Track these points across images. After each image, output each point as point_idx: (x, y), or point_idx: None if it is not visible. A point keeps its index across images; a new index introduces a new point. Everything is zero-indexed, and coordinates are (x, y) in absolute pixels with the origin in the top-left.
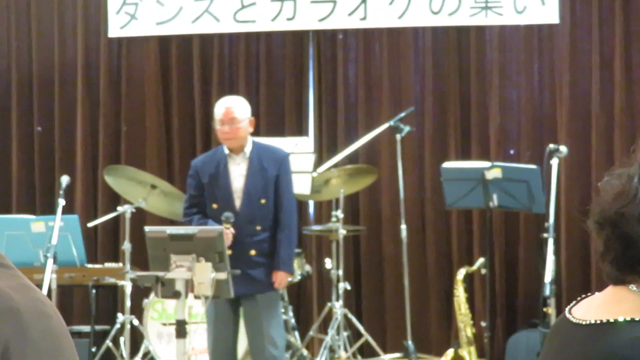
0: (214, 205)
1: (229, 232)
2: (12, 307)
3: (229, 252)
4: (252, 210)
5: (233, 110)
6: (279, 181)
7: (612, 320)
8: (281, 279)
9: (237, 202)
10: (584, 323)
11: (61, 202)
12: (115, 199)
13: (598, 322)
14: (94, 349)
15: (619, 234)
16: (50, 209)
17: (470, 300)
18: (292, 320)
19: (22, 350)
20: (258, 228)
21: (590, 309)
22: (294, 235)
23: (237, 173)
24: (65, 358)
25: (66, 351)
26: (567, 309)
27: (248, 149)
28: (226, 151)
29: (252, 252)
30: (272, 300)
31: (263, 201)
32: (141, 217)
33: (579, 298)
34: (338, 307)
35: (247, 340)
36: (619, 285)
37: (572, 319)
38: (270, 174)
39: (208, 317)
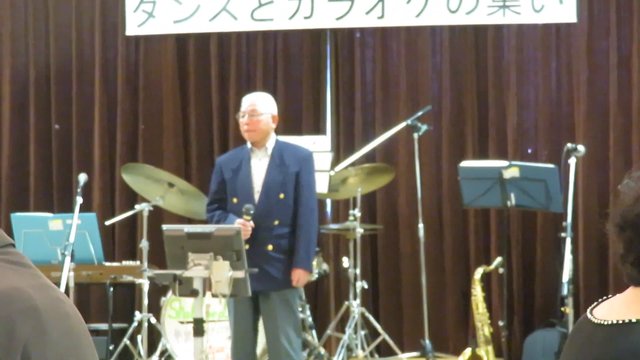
0: (234, 200)
1: (248, 224)
2: (32, 306)
3: (246, 246)
4: (270, 205)
5: (255, 103)
6: (300, 178)
7: (633, 320)
8: (299, 277)
9: (256, 196)
10: (605, 323)
11: (79, 200)
12: (132, 197)
13: (619, 322)
14: (111, 347)
15: (637, 234)
16: (67, 207)
17: (488, 300)
18: (310, 319)
19: (41, 350)
20: (276, 223)
21: (611, 310)
22: (314, 233)
23: (259, 168)
24: (85, 357)
25: (85, 350)
26: (588, 310)
27: (270, 144)
28: (249, 146)
29: (270, 247)
30: (289, 298)
31: (282, 196)
32: (159, 215)
33: (600, 300)
34: (355, 306)
35: (265, 336)
36: None
37: (593, 319)
38: (291, 170)
39: (229, 315)
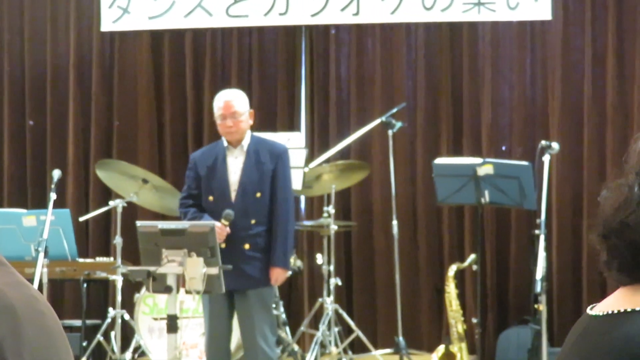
0: (210, 198)
1: (225, 229)
2: (7, 304)
3: (222, 245)
4: (246, 204)
5: (233, 103)
6: (276, 175)
7: (628, 309)
8: (277, 275)
9: (233, 195)
10: (601, 314)
11: (53, 196)
12: (106, 194)
13: (614, 312)
14: (85, 344)
15: (626, 242)
16: (41, 203)
17: (461, 297)
18: (283, 316)
19: (17, 348)
20: (252, 222)
21: (608, 303)
22: (291, 231)
23: (235, 166)
24: (60, 355)
25: (60, 348)
26: (589, 308)
27: (246, 142)
28: (225, 144)
29: (246, 246)
30: (265, 296)
31: (258, 195)
32: (133, 211)
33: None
34: (329, 303)
35: (240, 334)
36: (633, 284)
37: (590, 312)
38: (266, 167)
39: (204, 312)
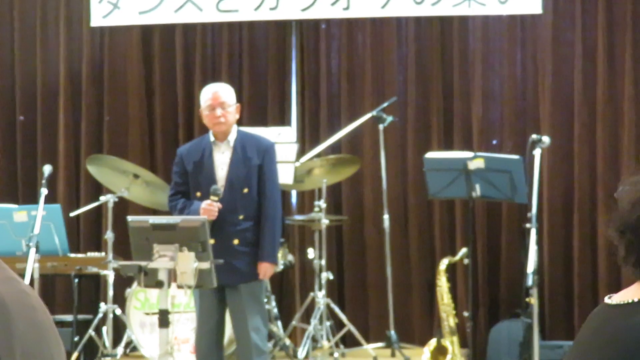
0: (198, 194)
1: (215, 204)
2: None
3: (211, 241)
4: (234, 200)
5: (221, 94)
6: (263, 171)
7: None
8: (265, 270)
9: (220, 191)
10: (621, 303)
11: (43, 191)
12: (97, 189)
13: (634, 300)
14: (76, 339)
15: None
16: (32, 199)
17: (453, 290)
18: (275, 310)
19: (8, 343)
20: (241, 217)
21: (626, 293)
22: (279, 225)
23: (221, 161)
24: (51, 349)
25: (51, 342)
26: (606, 298)
27: (232, 137)
28: (212, 139)
29: (235, 242)
30: (256, 290)
31: (245, 190)
32: (124, 206)
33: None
34: (321, 297)
35: (232, 329)
36: None
37: (609, 302)
38: (253, 163)
39: (195, 307)
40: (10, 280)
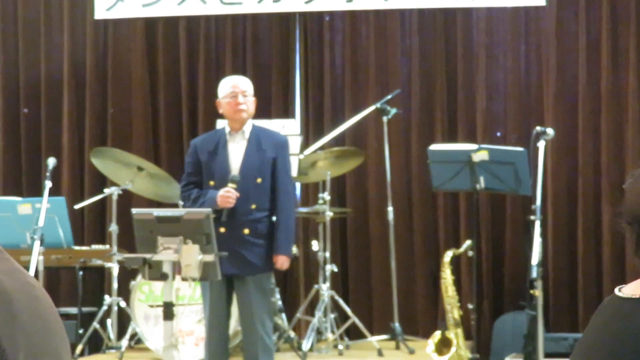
0: (211, 182)
1: (233, 192)
2: (1, 291)
3: (222, 229)
4: (247, 189)
5: (244, 83)
6: (277, 164)
7: None
8: (282, 262)
9: (238, 178)
10: (633, 297)
11: (48, 184)
12: (101, 181)
13: None
14: (81, 331)
15: None
16: (36, 191)
17: (457, 283)
18: (279, 303)
19: (12, 334)
20: (252, 207)
21: (638, 285)
22: (292, 218)
23: (236, 152)
24: (55, 340)
25: (56, 333)
26: (616, 289)
27: (247, 128)
28: (227, 129)
29: (246, 231)
30: (264, 283)
31: (259, 180)
32: (128, 199)
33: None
34: (325, 289)
35: (239, 320)
36: None
37: (620, 294)
38: (268, 155)
39: (203, 298)
40: (14, 272)
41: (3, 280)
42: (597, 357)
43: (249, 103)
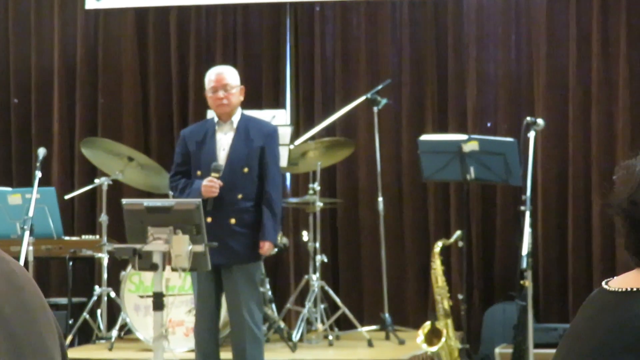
0: (198, 172)
1: (216, 181)
2: None
3: (208, 219)
4: (234, 178)
5: (225, 76)
6: (265, 154)
7: None
8: (267, 248)
9: (221, 167)
10: (619, 290)
11: (38, 174)
12: (92, 171)
13: (633, 289)
14: (71, 321)
15: (631, 221)
16: (26, 181)
17: (447, 273)
18: (269, 293)
19: None
20: (239, 197)
21: (625, 279)
22: (279, 208)
23: (224, 142)
24: (40, 329)
25: (41, 323)
26: (603, 283)
27: (236, 118)
28: (215, 119)
29: (232, 221)
30: (252, 272)
31: (246, 170)
32: (118, 189)
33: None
34: (315, 280)
35: (227, 310)
36: None
37: (607, 287)
38: (255, 145)
39: (193, 289)
40: None
41: None
42: (584, 350)
43: (231, 97)
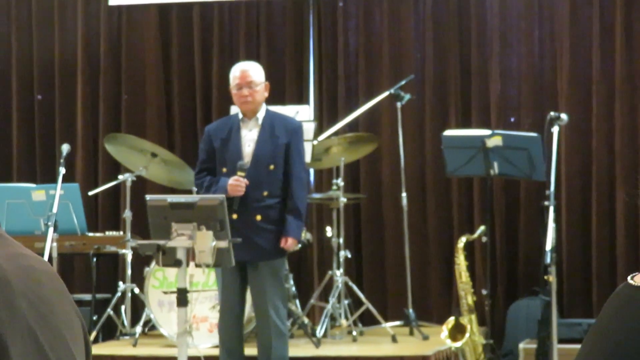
0: (224, 169)
1: (242, 180)
2: (0, 277)
3: (234, 216)
4: (259, 176)
5: (250, 73)
6: (290, 150)
7: None
8: (290, 244)
9: (247, 166)
10: None
11: (62, 170)
12: (115, 168)
13: None
14: (95, 318)
15: None
16: (50, 178)
17: (471, 268)
18: (293, 289)
19: (9, 321)
20: (265, 194)
21: None
22: (304, 203)
23: (249, 138)
24: (58, 324)
25: (59, 317)
26: (628, 278)
27: (261, 115)
28: (240, 116)
29: (258, 218)
30: (277, 268)
31: (271, 167)
32: (142, 185)
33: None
34: (339, 275)
35: (252, 307)
36: None
37: (633, 283)
38: (281, 141)
39: (218, 285)
40: (17, 257)
41: (3, 266)
42: (608, 346)
43: (255, 94)
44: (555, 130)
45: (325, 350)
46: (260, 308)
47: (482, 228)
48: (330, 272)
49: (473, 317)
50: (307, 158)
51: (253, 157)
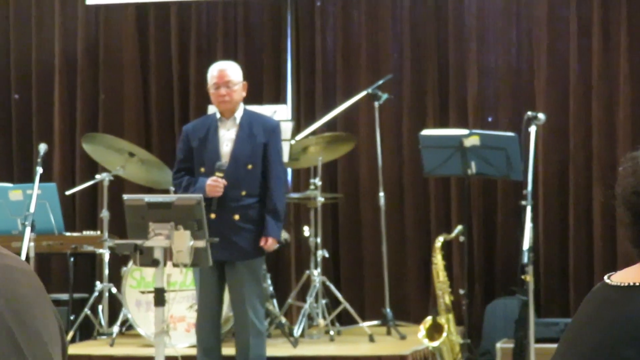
0: (202, 169)
1: (220, 181)
2: None
3: (212, 216)
4: (238, 175)
5: (228, 73)
6: (268, 149)
7: None
8: (270, 244)
9: (225, 167)
10: (621, 285)
11: (39, 170)
12: (93, 167)
13: (635, 284)
14: (72, 317)
15: (634, 213)
16: (28, 177)
17: (449, 268)
18: (270, 288)
19: None
20: (243, 193)
21: (627, 274)
22: (282, 203)
23: (227, 138)
24: (34, 324)
25: (36, 317)
26: (605, 277)
27: (239, 114)
28: (217, 116)
29: (236, 217)
30: (255, 268)
31: (250, 167)
32: (119, 185)
33: (613, 272)
34: (316, 275)
35: (230, 305)
36: None
37: (610, 282)
38: (259, 141)
39: (195, 284)
40: None
41: None
42: (585, 345)
43: (233, 93)
44: (532, 129)
45: (302, 349)
46: (238, 307)
47: (459, 227)
48: (307, 272)
49: (450, 316)
50: (285, 157)
51: (231, 156)
